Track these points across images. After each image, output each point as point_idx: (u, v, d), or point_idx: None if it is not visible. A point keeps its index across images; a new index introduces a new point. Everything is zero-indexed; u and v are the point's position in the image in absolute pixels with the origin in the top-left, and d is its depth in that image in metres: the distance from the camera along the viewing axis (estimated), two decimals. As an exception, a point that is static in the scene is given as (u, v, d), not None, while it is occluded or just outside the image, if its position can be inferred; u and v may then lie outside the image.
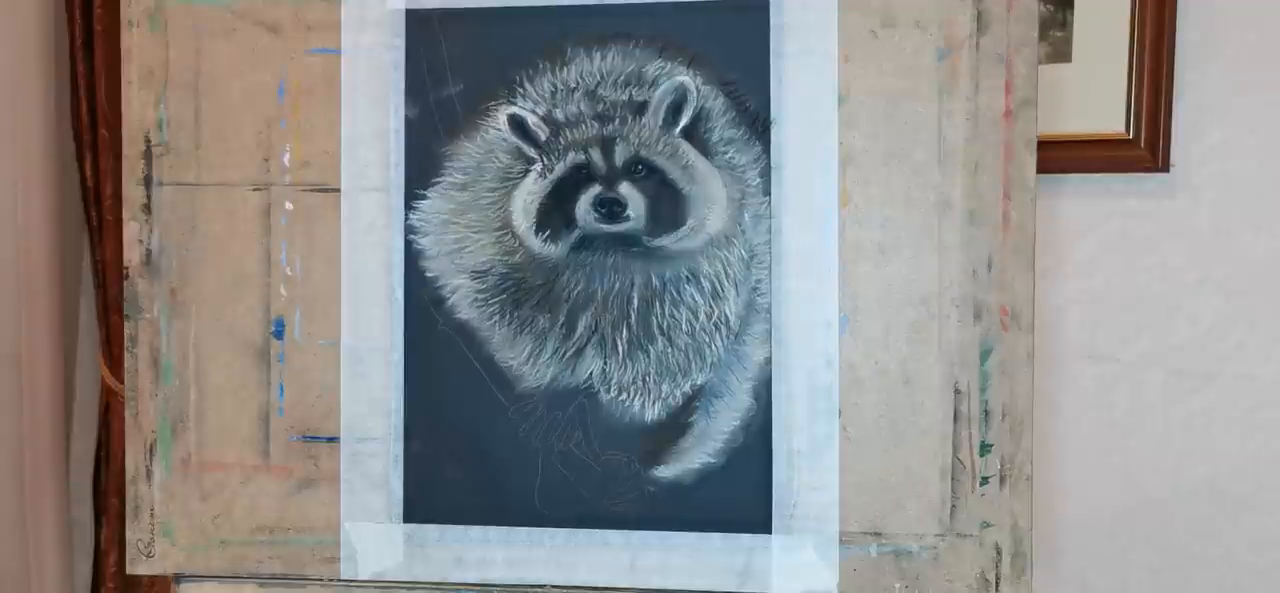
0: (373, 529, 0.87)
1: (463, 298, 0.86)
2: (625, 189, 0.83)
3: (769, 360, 0.84)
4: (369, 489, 0.87)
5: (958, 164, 0.82)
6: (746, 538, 0.84)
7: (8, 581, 1.36)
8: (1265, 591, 1.18)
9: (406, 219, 0.86)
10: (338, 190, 0.87)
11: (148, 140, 0.89)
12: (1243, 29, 1.13)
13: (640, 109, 0.83)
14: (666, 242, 0.83)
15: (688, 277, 0.84)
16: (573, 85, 0.84)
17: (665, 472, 0.85)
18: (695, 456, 0.84)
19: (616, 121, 0.83)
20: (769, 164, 0.83)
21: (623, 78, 0.83)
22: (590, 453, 0.85)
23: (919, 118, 0.82)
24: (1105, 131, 1.15)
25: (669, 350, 0.84)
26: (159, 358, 0.89)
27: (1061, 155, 1.15)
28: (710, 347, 0.84)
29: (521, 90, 0.84)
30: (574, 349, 0.85)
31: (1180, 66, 1.14)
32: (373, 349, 0.87)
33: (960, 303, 0.82)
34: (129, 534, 0.90)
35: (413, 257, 0.86)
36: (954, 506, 0.83)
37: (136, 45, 0.89)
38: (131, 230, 0.89)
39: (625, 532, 0.85)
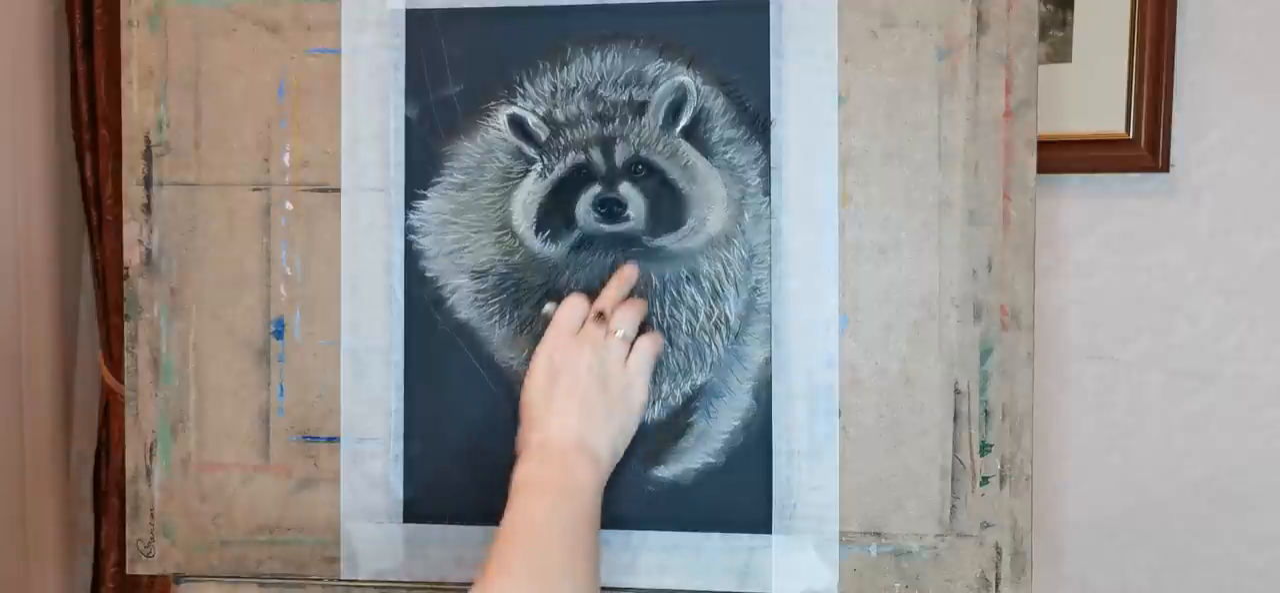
0: (373, 529, 0.87)
1: (463, 298, 0.86)
2: (625, 189, 0.83)
3: (769, 360, 0.84)
4: (369, 489, 0.87)
5: (958, 164, 0.82)
6: (746, 538, 0.84)
7: (8, 581, 1.36)
8: (1265, 591, 1.18)
9: (406, 219, 0.86)
10: (338, 190, 0.87)
11: (148, 140, 0.89)
12: (1243, 29, 1.13)
13: (640, 109, 0.83)
14: (666, 242, 0.83)
15: (688, 277, 0.84)
16: (573, 85, 0.84)
17: (665, 472, 0.85)
18: (695, 455, 0.84)
19: (616, 121, 0.83)
20: (769, 164, 0.83)
21: (623, 78, 0.83)
22: (590, 453, 0.85)
23: (919, 118, 0.82)
24: (1105, 131, 1.15)
25: (669, 350, 0.84)
26: (159, 358, 0.89)
27: (1061, 155, 1.15)
28: (710, 347, 0.84)
29: (521, 90, 0.84)
30: (574, 349, 0.84)
31: (1180, 66, 1.14)
32: (373, 349, 0.87)
33: (960, 303, 0.82)
34: (129, 534, 0.90)
35: (413, 257, 0.86)
36: (954, 506, 0.83)
37: (136, 45, 0.89)
38: (131, 230, 0.89)
39: (625, 532, 0.85)
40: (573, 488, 0.72)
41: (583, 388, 0.75)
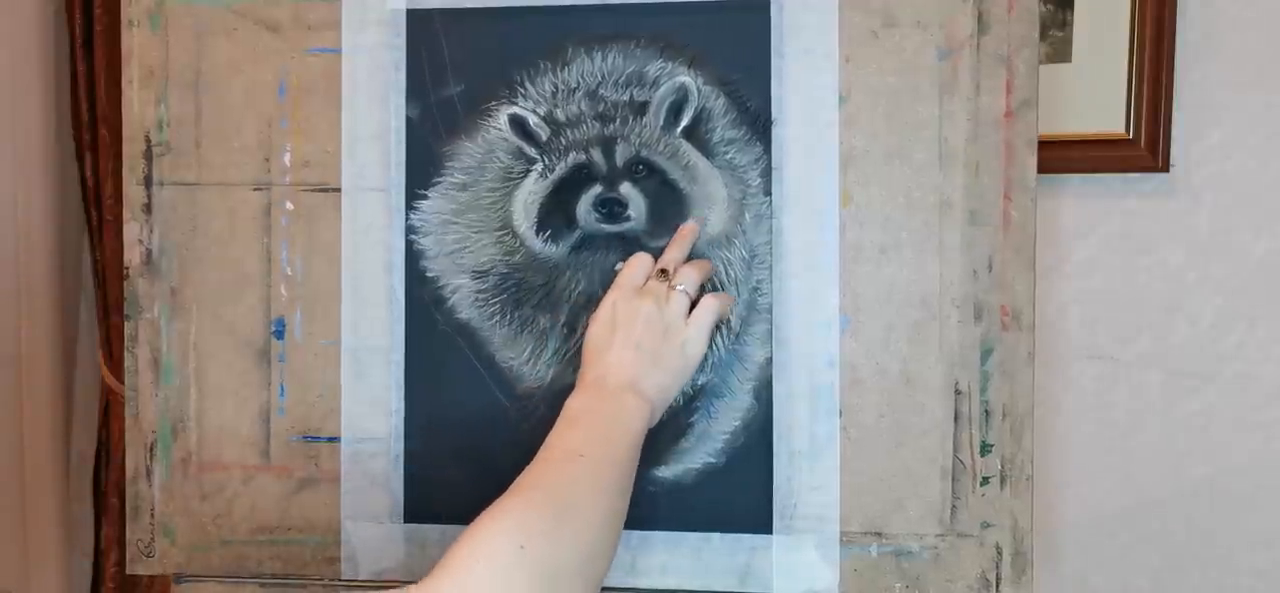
0: (373, 529, 0.87)
1: (463, 298, 0.86)
2: (626, 189, 0.83)
3: (770, 361, 0.84)
4: (369, 489, 0.87)
5: (958, 164, 0.82)
6: (747, 538, 0.84)
7: (8, 581, 1.36)
8: (1265, 591, 1.18)
9: (407, 219, 0.86)
10: (338, 190, 0.87)
11: (148, 140, 0.89)
12: (1243, 29, 1.13)
13: (641, 109, 0.83)
14: (667, 242, 0.83)
15: (688, 277, 0.84)
16: (574, 85, 0.84)
17: (666, 472, 0.85)
18: (696, 456, 0.84)
19: (617, 122, 0.83)
20: (770, 164, 0.83)
21: (624, 78, 0.83)
22: (591, 453, 0.85)
23: (920, 118, 0.82)
24: (1105, 131, 1.15)
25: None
26: (159, 358, 0.89)
27: (1062, 155, 1.15)
28: (711, 347, 0.84)
29: (522, 90, 0.84)
30: (575, 349, 0.84)
31: (1180, 66, 1.14)
32: (373, 349, 0.87)
33: (961, 303, 0.82)
34: (129, 534, 0.90)
35: (413, 257, 0.86)
36: (954, 506, 0.83)
37: (136, 45, 0.89)
38: (131, 230, 0.89)
39: (625, 532, 0.84)
40: (617, 426, 0.73)
41: (639, 335, 0.76)
